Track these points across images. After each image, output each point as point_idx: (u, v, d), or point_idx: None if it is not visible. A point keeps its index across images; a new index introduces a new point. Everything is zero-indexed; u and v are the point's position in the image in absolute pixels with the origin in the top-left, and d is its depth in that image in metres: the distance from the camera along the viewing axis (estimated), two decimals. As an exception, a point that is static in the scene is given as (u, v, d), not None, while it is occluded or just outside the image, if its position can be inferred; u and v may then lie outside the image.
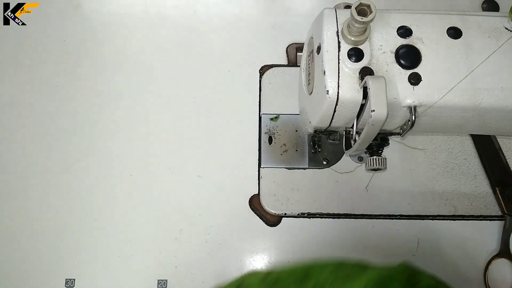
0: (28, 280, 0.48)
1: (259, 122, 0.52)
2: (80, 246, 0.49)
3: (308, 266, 0.40)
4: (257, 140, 0.52)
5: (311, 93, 0.37)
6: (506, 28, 0.34)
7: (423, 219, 0.49)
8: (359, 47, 0.33)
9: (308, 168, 0.51)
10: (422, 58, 0.33)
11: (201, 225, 0.49)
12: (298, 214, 0.49)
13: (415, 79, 0.33)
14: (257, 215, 0.50)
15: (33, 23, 0.56)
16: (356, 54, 0.33)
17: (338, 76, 0.33)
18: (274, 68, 0.53)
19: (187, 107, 0.53)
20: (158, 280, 0.48)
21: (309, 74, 0.39)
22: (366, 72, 0.33)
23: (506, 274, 0.48)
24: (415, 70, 0.33)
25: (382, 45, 0.34)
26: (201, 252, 0.49)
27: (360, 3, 0.30)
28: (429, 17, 0.35)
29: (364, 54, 0.33)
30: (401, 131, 0.36)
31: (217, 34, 0.55)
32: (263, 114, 0.52)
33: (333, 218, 0.49)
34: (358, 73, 0.33)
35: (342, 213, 0.49)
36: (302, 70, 0.41)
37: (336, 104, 0.33)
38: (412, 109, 0.33)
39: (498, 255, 0.48)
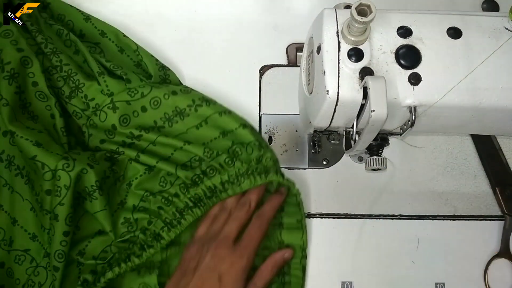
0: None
1: (259, 122, 0.52)
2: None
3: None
4: (257, 140, 0.52)
5: (311, 93, 0.37)
6: (506, 28, 0.34)
7: (423, 219, 0.49)
8: (359, 47, 0.33)
9: (308, 168, 0.51)
10: (422, 58, 0.33)
11: (201, 225, 0.50)
12: (298, 214, 0.49)
13: (415, 79, 0.33)
14: (257, 215, 0.50)
15: (33, 23, 0.56)
16: (356, 54, 0.33)
17: (338, 76, 0.33)
18: (274, 68, 0.53)
19: (187, 107, 0.53)
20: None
21: (309, 74, 0.39)
22: (366, 72, 0.33)
23: (506, 274, 0.48)
24: (415, 70, 0.33)
25: (382, 45, 0.34)
26: (201, 252, 0.49)
27: (360, 3, 0.30)
28: (429, 17, 0.35)
29: (364, 54, 0.33)
30: (401, 131, 0.36)
31: (217, 34, 0.55)
32: (263, 114, 0.52)
33: (333, 218, 0.49)
34: (358, 73, 0.33)
35: (342, 213, 0.49)
36: (302, 70, 0.41)
37: (336, 104, 0.33)
38: (412, 109, 0.33)
39: (498, 255, 0.48)
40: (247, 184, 0.44)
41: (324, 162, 0.51)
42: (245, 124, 0.47)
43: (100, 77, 0.46)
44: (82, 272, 0.43)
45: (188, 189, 0.45)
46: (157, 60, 0.51)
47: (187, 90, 0.48)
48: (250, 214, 0.45)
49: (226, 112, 0.47)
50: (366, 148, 0.39)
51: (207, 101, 0.47)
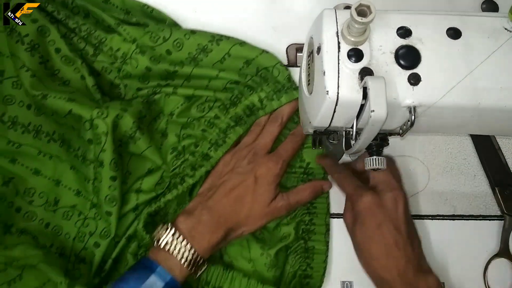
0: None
1: (259, 122, 0.52)
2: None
3: None
4: (257, 140, 0.52)
5: (311, 93, 0.38)
6: (506, 29, 0.34)
7: (422, 219, 0.49)
8: (359, 47, 0.33)
9: (308, 168, 0.51)
10: (422, 59, 0.33)
11: (201, 225, 0.50)
12: (298, 214, 0.49)
13: (414, 80, 0.33)
14: (257, 215, 0.50)
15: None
16: (356, 54, 0.33)
17: (338, 77, 0.33)
18: (274, 68, 0.53)
19: (187, 107, 0.53)
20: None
21: (309, 74, 0.39)
22: (366, 72, 0.33)
23: (506, 274, 0.48)
24: (414, 70, 0.33)
25: (381, 45, 0.34)
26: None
27: (360, 3, 0.30)
28: (429, 18, 0.35)
29: (364, 54, 0.33)
30: (400, 131, 0.37)
31: (217, 34, 0.55)
32: (263, 114, 0.52)
33: (333, 218, 0.49)
34: (358, 74, 0.33)
35: (342, 213, 0.49)
36: (302, 70, 0.41)
37: (336, 105, 0.33)
38: (412, 109, 0.33)
39: (498, 255, 0.48)
40: (286, 98, 0.47)
41: (324, 162, 0.51)
42: (265, 50, 0.49)
43: (119, 27, 0.47)
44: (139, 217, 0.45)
45: (227, 109, 0.48)
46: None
47: (203, 30, 0.50)
48: (282, 128, 0.48)
49: (245, 42, 0.49)
50: (366, 148, 0.39)
51: (225, 36, 0.49)
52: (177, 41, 0.48)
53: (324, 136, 0.47)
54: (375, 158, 0.40)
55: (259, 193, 0.44)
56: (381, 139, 0.40)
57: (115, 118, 0.42)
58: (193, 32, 0.48)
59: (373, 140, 0.35)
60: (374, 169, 0.40)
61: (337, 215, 0.49)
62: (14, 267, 0.42)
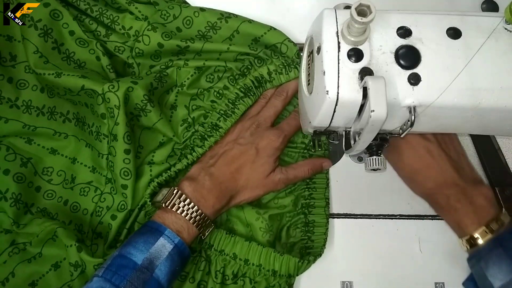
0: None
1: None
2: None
3: None
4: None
5: (311, 93, 0.38)
6: (506, 29, 0.34)
7: (422, 219, 0.49)
8: (359, 47, 0.33)
9: (308, 168, 0.51)
10: (422, 58, 0.33)
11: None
12: (298, 214, 0.49)
13: (414, 79, 0.33)
14: (257, 215, 0.50)
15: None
16: (356, 54, 0.33)
17: (338, 77, 0.33)
18: (274, 68, 0.53)
19: (187, 107, 0.53)
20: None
21: (309, 74, 0.39)
22: (366, 72, 0.33)
23: (506, 274, 0.48)
24: (414, 70, 0.33)
25: (381, 45, 0.34)
26: (201, 252, 0.49)
27: (360, 3, 0.30)
28: (429, 18, 0.35)
29: (364, 54, 0.33)
30: (400, 131, 0.37)
31: (217, 34, 0.54)
32: (263, 114, 0.52)
33: (333, 218, 0.49)
34: (358, 74, 0.33)
35: (342, 213, 0.49)
36: (302, 70, 0.41)
37: (336, 105, 0.33)
38: (412, 109, 0.33)
39: (498, 255, 0.48)
40: (294, 73, 0.47)
41: (324, 162, 0.51)
42: (273, 27, 0.49)
43: (131, 6, 0.47)
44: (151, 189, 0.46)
45: (236, 80, 0.48)
46: None
47: (211, 8, 0.50)
48: (286, 103, 0.49)
49: (253, 20, 0.49)
50: (366, 148, 0.39)
51: (233, 14, 0.49)
52: (187, 19, 0.48)
53: (324, 136, 0.47)
54: (375, 158, 0.40)
55: (258, 164, 0.45)
56: (381, 139, 0.40)
57: (126, 91, 0.43)
58: (202, 9, 0.49)
59: (373, 140, 0.35)
60: (374, 170, 0.40)
61: (338, 215, 0.49)
62: (34, 245, 0.43)
